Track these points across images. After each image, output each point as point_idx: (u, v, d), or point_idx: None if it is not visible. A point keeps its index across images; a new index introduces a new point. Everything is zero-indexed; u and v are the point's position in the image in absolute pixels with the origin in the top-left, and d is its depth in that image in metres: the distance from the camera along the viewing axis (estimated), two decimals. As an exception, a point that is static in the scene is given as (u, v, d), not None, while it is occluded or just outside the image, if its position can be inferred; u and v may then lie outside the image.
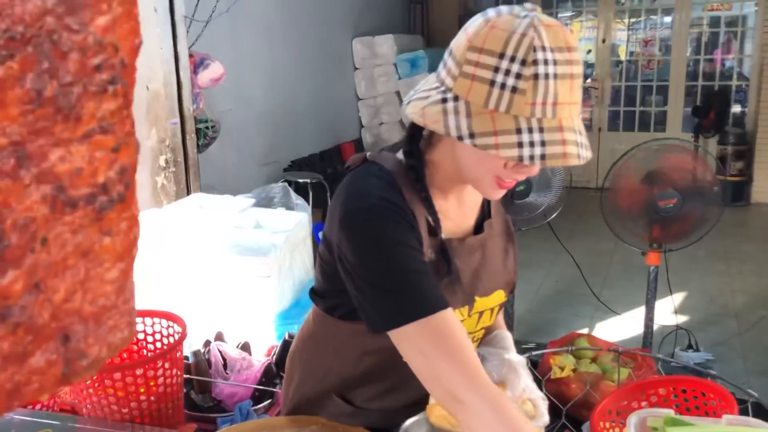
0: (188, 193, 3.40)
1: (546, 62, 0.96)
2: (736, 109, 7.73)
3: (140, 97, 3.20)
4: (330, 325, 1.28)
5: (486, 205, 1.28)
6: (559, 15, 8.48)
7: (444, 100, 1.02)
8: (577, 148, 1.00)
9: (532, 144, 0.97)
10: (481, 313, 1.24)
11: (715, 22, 7.85)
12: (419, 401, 1.21)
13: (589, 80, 8.39)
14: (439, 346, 1.01)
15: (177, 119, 3.34)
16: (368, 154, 1.20)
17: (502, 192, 1.12)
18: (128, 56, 0.51)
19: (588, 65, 8.50)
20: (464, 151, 1.08)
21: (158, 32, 3.16)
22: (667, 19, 8.10)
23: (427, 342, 1.01)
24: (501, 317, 1.45)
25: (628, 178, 3.39)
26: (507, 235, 1.30)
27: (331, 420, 1.35)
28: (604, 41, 8.12)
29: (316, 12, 5.97)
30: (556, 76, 0.97)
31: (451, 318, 1.04)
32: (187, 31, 3.46)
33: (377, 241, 1.06)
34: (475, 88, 0.99)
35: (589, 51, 8.45)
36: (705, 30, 7.88)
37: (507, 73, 0.96)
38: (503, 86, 0.97)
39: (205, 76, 3.54)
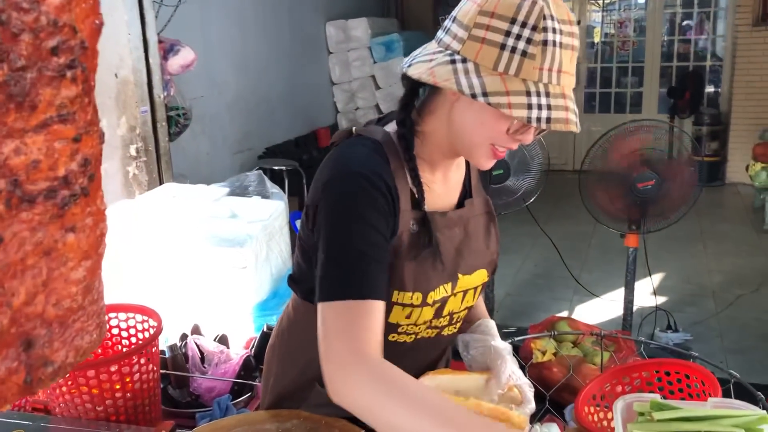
0: (160, 182, 3.33)
1: (554, 31, 1.00)
2: (710, 89, 7.80)
3: (108, 85, 3.12)
4: (311, 312, 1.25)
5: (467, 185, 1.28)
6: (534, -3, 8.47)
7: (453, 61, 1.03)
8: (575, 117, 1.05)
9: (540, 107, 1.00)
10: (465, 292, 1.24)
11: (688, 2, 7.89)
12: None
13: (563, 63, 8.41)
14: (350, 327, 1.01)
15: (147, 107, 3.26)
16: (354, 128, 1.20)
17: (493, 161, 1.14)
18: (88, 38, 0.47)
19: (563, 48, 8.51)
20: (464, 116, 1.09)
21: (126, 18, 3.08)
22: (641, 0, 8.13)
23: (341, 321, 1.02)
24: (483, 306, 1.44)
25: (606, 159, 3.39)
26: (488, 216, 1.29)
27: (314, 411, 1.32)
28: (579, 23, 8.11)
29: (289, -5, 5.89)
30: (561, 45, 1.01)
31: (377, 311, 1.04)
32: (156, 17, 3.37)
33: (346, 214, 1.07)
34: (485, 51, 1.01)
35: (564, 33, 8.46)
36: (678, 11, 7.92)
37: (518, 37, 1.00)
38: (514, 50, 1.00)
39: (175, 63, 3.46)
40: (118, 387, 1.56)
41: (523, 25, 0.99)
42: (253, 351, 1.99)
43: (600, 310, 4.35)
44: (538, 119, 1.00)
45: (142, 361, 1.59)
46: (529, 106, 1.00)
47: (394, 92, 6.60)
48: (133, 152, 3.26)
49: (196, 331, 2.08)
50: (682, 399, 1.46)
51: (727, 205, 6.79)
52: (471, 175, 1.28)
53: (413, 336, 1.23)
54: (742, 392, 1.66)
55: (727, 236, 5.79)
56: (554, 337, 2.71)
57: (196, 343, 1.98)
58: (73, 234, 0.50)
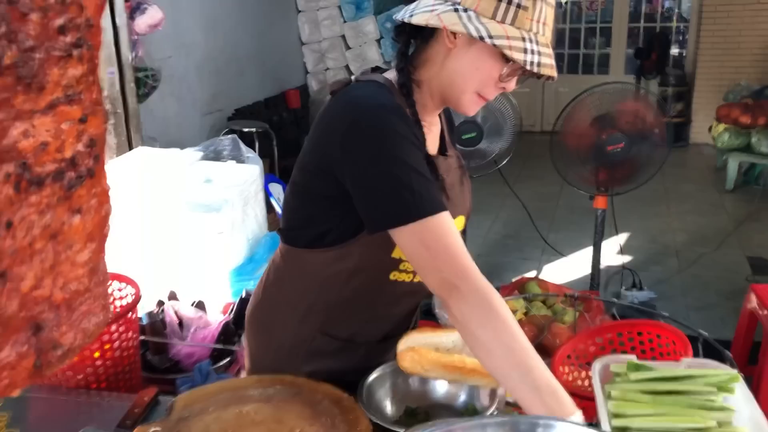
0: (130, 145, 3.27)
1: None
2: (676, 50, 7.86)
3: (74, 45, 3.02)
4: (308, 259, 1.29)
5: (443, 140, 1.36)
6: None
7: (456, 10, 1.13)
8: (555, 67, 1.17)
9: (532, 52, 1.12)
10: None
11: (655, -37, 7.91)
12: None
13: (533, 23, 8.38)
14: (439, 241, 1.08)
15: (115, 68, 3.18)
16: (353, 77, 1.27)
17: (478, 107, 1.23)
18: (93, 15, 0.46)
19: (532, 7, 8.47)
20: (460, 62, 1.18)
21: (90, -25, 2.97)
22: (610, -41, 8.11)
23: (429, 238, 1.08)
24: None
25: (576, 123, 3.41)
26: (461, 170, 1.38)
27: (320, 361, 1.35)
28: (547, -17, 8.08)
29: (256, -48, 5.73)
30: (546, 1, 1.15)
31: (449, 219, 1.11)
32: (121, -26, 3.26)
33: (390, 143, 1.11)
34: (484, 1, 1.12)
35: (533, -7, 8.41)
36: (646, -29, 7.93)
37: None
38: (510, 1, 1.12)
39: (142, 22, 3.37)
40: (97, 355, 1.55)
41: None
42: (231, 316, 1.99)
43: (568, 269, 4.44)
44: (532, 63, 1.11)
45: (121, 329, 1.58)
46: (525, 51, 1.11)
47: (364, 52, 6.51)
48: (100, 115, 3.19)
49: (173, 297, 2.07)
50: (654, 358, 1.50)
51: (690, 166, 6.92)
52: (445, 131, 1.36)
53: (411, 275, 1.28)
54: (710, 349, 1.73)
55: (690, 196, 5.92)
56: (525, 298, 2.76)
57: (174, 310, 1.97)
58: (79, 216, 0.49)
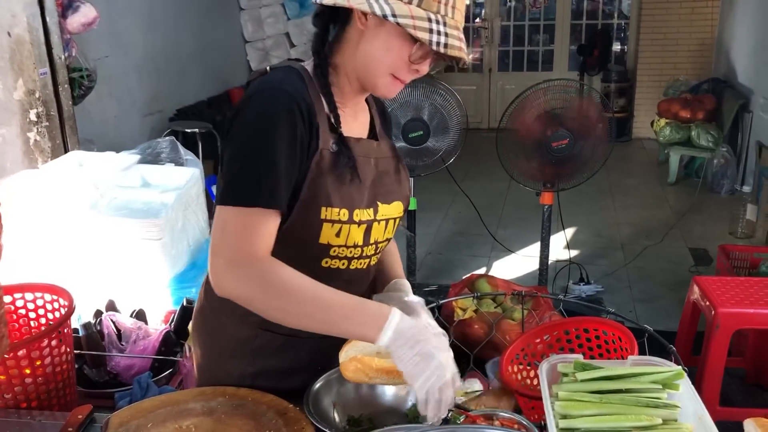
0: (65, 149, 3.14)
1: None
2: (617, 47, 8.02)
3: (2, 45, 2.89)
4: None
5: (372, 128, 1.37)
6: (447, -47, 8.40)
7: None
8: (466, 50, 1.17)
9: (439, 33, 1.13)
10: (386, 221, 1.33)
11: (596, -40, 8.04)
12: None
13: (478, 20, 8.43)
14: (246, 231, 1.14)
15: (47, 68, 3.05)
16: (268, 66, 1.28)
17: (396, 90, 1.24)
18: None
19: (477, 4, 8.52)
20: (372, 44, 1.19)
21: (18, -29, 2.84)
22: (552, -43, 8.22)
23: (232, 223, 1.14)
24: (399, 265, 1.50)
25: (522, 119, 3.43)
26: (396, 158, 1.39)
27: (263, 355, 1.33)
28: (491, -20, 8.15)
29: (196, -52, 5.60)
30: None
31: (274, 220, 1.16)
32: (52, -30, 3.13)
33: (264, 124, 1.15)
34: None
35: (478, -10, 8.48)
36: (587, -31, 8.06)
37: None
38: None
39: (75, 20, 3.24)
40: (28, 372, 1.48)
41: None
42: (173, 326, 1.93)
43: (516, 265, 4.48)
44: (438, 43, 1.13)
45: (54, 343, 1.51)
46: (431, 31, 1.12)
47: (309, 50, 6.41)
48: (33, 117, 3.05)
49: (111, 307, 1.99)
50: (601, 355, 1.51)
51: (633, 160, 7.08)
52: (375, 121, 1.38)
53: (346, 262, 1.28)
54: (655, 343, 1.74)
55: (634, 190, 6.05)
56: (476, 297, 2.76)
57: (111, 320, 1.89)
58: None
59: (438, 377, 1.10)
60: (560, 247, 4.35)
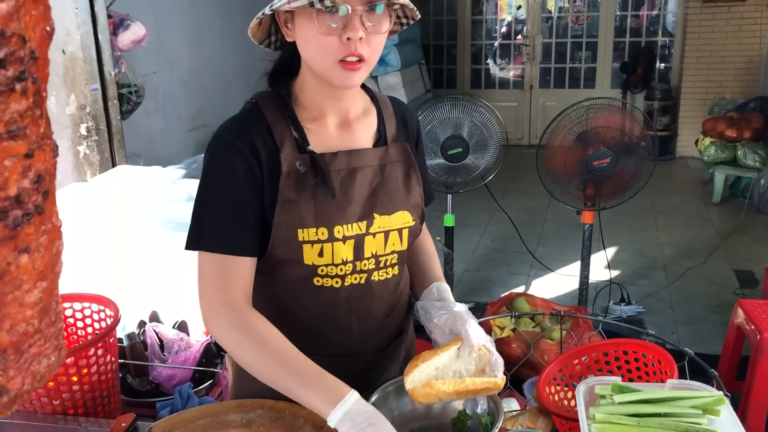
0: (113, 162, 3.24)
1: None
2: (661, 65, 7.91)
3: (56, 62, 3.00)
4: (258, 272, 1.30)
5: (382, 134, 1.35)
6: (490, -30, 8.44)
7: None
8: None
9: None
10: (386, 233, 1.30)
11: (640, -22, 7.96)
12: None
13: (519, 37, 8.42)
14: (220, 278, 1.21)
15: (97, 84, 3.16)
16: (253, 96, 1.34)
17: (352, 75, 1.19)
18: (39, 47, 0.43)
19: (519, 21, 8.52)
20: (301, 47, 1.20)
21: (73, -8, 2.96)
22: (595, -26, 8.17)
23: (213, 271, 1.22)
24: (438, 268, 1.48)
25: (562, 138, 3.41)
26: (407, 162, 1.35)
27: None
28: (533, -3, 8.14)
29: (242, -33, 5.72)
30: None
31: (243, 264, 1.22)
32: (105, -10, 3.25)
33: (213, 171, 1.23)
34: None
35: (519, 6, 8.46)
36: (631, -14, 7.98)
37: None
38: None
39: (125, 38, 3.35)
40: (75, 379, 1.52)
41: None
42: (213, 338, 1.96)
43: (556, 284, 4.43)
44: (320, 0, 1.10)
45: (100, 352, 1.55)
46: None
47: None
48: (83, 131, 3.16)
49: (154, 318, 2.04)
50: (639, 377, 1.49)
51: (677, 179, 6.95)
52: (387, 125, 1.35)
53: (339, 280, 1.27)
54: (696, 366, 1.71)
55: (677, 209, 5.94)
56: (514, 317, 2.74)
57: (155, 331, 1.94)
58: (27, 255, 0.47)
59: None
60: (601, 266, 4.30)
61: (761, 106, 6.20)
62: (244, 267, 1.22)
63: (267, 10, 1.19)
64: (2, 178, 0.43)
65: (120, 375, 1.77)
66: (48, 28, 0.45)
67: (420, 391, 1.19)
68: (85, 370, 1.53)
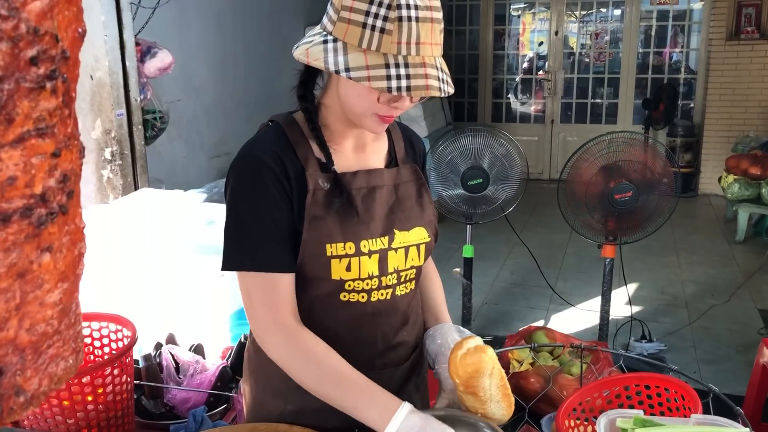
0: (136, 186, 3.27)
1: (408, 7, 1.11)
2: (684, 101, 7.90)
3: (84, 87, 3.06)
4: None
5: (393, 156, 1.40)
6: (512, 6, 8.52)
7: (325, 42, 1.16)
8: (438, 83, 1.14)
9: (398, 77, 1.12)
10: (406, 249, 1.34)
11: (663, 15, 7.99)
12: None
13: (541, 72, 8.46)
14: (268, 298, 1.23)
15: (123, 110, 3.21)
16: (270, 118, 1.36)
17: (385, 126, 1.26)
18: (70, 47, 0.44)
19: (540, 57, 8.57)
20: (346, 90, 1.22)
21: (103, 19, 3.02)
22: (617, 12, 8.21)
23: (251, 289, 1.24)
24: (443, 308, 1.51)
25: (584, 171, 3.40)
26: (418, 182, 1.40)
27: (296, 398, 1.33)
28: (556, 33, 8.19)
29: (268, -1, 5.84)
30: (418, 19, 1.12)
31: (283, 282, 1.23)
32: (134, 18, 3.32)
33: (244, 190, 1.24)
34: (351, 30, 1.13)
35: (541, 43, 8.52)
36: (654, 23, 8.01)
37: (376, 16, 1.11)
38: (373, 28, 1.12)
39: (152, 65, 3.41)
40: (90, 399, 1.51)
41: (380, 4, 1.11)
42: (229, 361, 1.95)
43: (576, 319, 4.37)
44: (398, 88, 1.11)
45: (116, 372, 1.55)
46: (388, 77, 1.11)
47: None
48: (108, 156, 3.20)
49: (171, 340, 2.04)
50: (662, 413, 1.45)
51: (699, 216, 6.88)
52: (396, 147, 1.40)
53: (366, 295, 1.30)
54: (720, 405, 1.67)
55: (700, 247, 5.86)
56: (533, 349, 2.70)
57: (170, 353, 1.93)
58: (49, 254, 0.47)
59: None
60: (622, 302, 4.24)
61: (786, 145, 6.15)
62: (288, 284, 1.24)
63: (333, 68, 1.14)
64: (29, 176, 0.43)
65: (135, 396, 1.76)
66: (80, 30, 0.45)
67: (472, 357, 1.23)
68: (100, 390, 1.53)
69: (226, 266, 1.25)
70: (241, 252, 1.23)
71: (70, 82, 0.46)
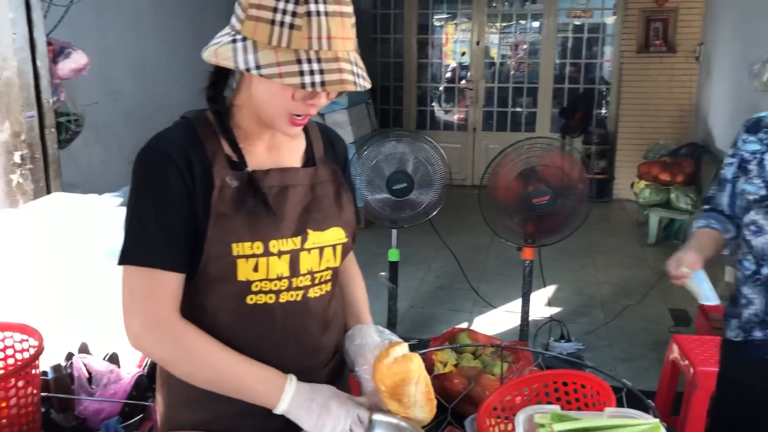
0: (48, 191, 3.13)
1: (316, 1, 1.09)
2: (599, 111, 8.20)
3: (-9, 87, 2.91)
4: (192, 308, 1.28)
5: (310, 156, 1.38)
6: (435, 16, 8.64)
7: (234, 41, 1.13)
8: (353, 77, 1.12)
9: (312, 72, 1.09)
10: (321, 249, 1.31)
11: (578, 28, 8.27)
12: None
13: (464, 81, 8.62)
14: (151, 293, 1.19)
15: (34, 112, 3.06)
16: (183, 114, 1.34)
17: (298, 129, 1.24)
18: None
19: (463, 67, 8.72)
20: (258, 89, 1.19)
21: (11, 17, 2.88)
22: (536, 24, 8.46)
23: (142, 285, 1.20)
24: (366, 308, 1.51)
25: (503, 176, 3.48)
26: (336, 182, 1.38)
27: (209, 405, 1.30)
28: (478, 43, 8.35)
29: None
30: (327, 13, 1.10)
31: (170, 279, 1.20)
32: (45, 16, 3.18)
33: (143, 184, 1.21)
34: (260, 28, 1.11)
35: (464, 53, 8.68)
36: (570, 36, 8.28)
37: (284, 12, 1.09)
38: (282, 24, 1.09)
39: (66, 66, 3.27)
40: (-8, 413, 1.43)
41: (287, 0, 1.09)
42: (146, 370, 1.89)
43: (498, 320, 4.46)
44: (313, 84, 1.09)
45: (20, 384, 1.47)
46: (301, 73, 1.09)
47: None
48: (17, 159, 3.05)
49: (83, 349, 1.95)
50: (579, 408, 1.49)
51: (614, 220, 7.14)
52: (315, 147, 1.39)
53: (274, 296, 1.27)
54: (634, 400, 1.73)
55: (614, 249, 6.09)
56: (455, 349, 2.73)
57: (83, 363, 1.85)
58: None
59: (343, 420, 1.21)
60: (541, 304, 4.35)
61: (692, 152, 6.47)
62: (173, 282, 1.21)
63: (244, 66, 1.11)
64: None
65: (43, 410, 1.67)
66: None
67: (399, 366, 1.23)
68: (3, 404, 1.45)
69: (119, 260, 1.22)
70: (131, 246, 1.20)
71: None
